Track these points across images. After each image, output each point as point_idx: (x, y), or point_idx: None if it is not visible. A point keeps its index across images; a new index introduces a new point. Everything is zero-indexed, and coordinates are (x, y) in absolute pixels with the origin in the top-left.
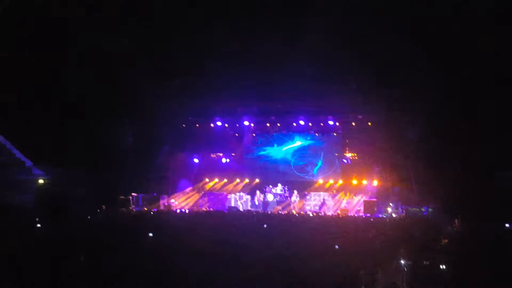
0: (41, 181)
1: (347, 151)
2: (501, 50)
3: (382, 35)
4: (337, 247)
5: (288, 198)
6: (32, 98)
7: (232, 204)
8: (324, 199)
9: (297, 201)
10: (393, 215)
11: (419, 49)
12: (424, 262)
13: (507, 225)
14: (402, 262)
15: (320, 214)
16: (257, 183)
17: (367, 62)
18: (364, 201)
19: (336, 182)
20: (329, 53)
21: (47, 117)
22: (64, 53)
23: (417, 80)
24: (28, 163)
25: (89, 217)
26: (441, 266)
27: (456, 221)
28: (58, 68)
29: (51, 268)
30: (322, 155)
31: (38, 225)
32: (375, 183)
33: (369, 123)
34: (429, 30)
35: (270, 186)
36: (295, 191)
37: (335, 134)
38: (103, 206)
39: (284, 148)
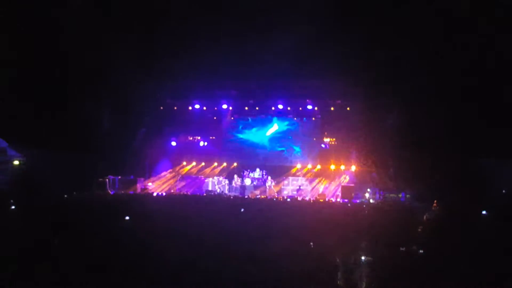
0: (16, 162)
1: (325, 136)
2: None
3: (362, 19)
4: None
5: (266, 182)
6: (8, 80)
7: (210, 188)
8: (299, 186)
9: (272, 186)
10: (371, 200)
11: (399, 34)
12: (401, 248)
13: (484, 212)
14: (379, 247)
15: (297, 199)
16: (235, 167)
17: (347, 46)
18: (342, 187)
19: (314, 167)
20: (309, 37)
21: (23, 99)
22: (40, 35)
23: (396, 67)
24: (3, 143)
25: (65, 196)
26: (418, 252)
27: (433, 207)
28: (34, 50)
29: (26, 250)
30: (300, 140)
31: (12, 207)
32: (353, 168)
33: (348, 108)
34: (408, 15)
35: (248, 171)
36: (269, 177)
37: (313, 118)
38: (79, 188)
39: (264, 133)
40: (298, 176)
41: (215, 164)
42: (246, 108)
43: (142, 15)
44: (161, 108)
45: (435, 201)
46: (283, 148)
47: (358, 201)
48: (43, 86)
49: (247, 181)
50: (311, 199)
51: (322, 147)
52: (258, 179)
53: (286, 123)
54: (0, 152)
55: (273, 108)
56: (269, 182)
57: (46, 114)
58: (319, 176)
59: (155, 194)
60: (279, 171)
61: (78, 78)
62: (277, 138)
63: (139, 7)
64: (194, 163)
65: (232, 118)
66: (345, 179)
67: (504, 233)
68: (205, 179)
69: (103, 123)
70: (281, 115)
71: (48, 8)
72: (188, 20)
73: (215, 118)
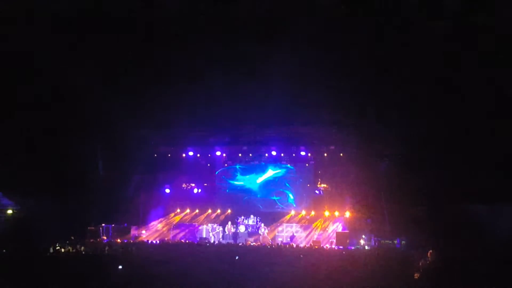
0: (9, 211)
1: (319, 182)
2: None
3: (354, 66)
4: None
5: (260, 229)
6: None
7: (204, 235)
8: (293, 233)
9: (265, 233)
10: (366, 247)
11: (391, 81)
12: None
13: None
14: None
15: (292, 245)
16: (228, 214)
17: (340, 93)
18: (337, 233)
19: (308, 214)
20: (301, 84)
21: (16, 147)
22: (33, 82)
23: (390, 113)
24: None
25: (58, 247)
26: None
27: (428, 254)
28: (27, 96)
29: None
30: (294, 186)
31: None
32: (348, 214)
33: (341, 154)
34: (403, 61)
35: (242, 217)
36: (262, 224)
37: (307, 164)
38: (72, 237)
39: (258, 180)
40: (292, 222)
41: (209, 211)
42: (240, 154)
43: (136, 64)
44: (155, 155)
45: (430, 247)
46: (278, 198)
47: (353, 247)
48: (35, 135)
49: (241, 228)
50: (306, 245)
51: (316, 193)
52: (252, 226)
53: (280, 169)
54: None
55: (266, 155)
56: (263, 229)
57: (39, 163)
58: (313, 222)
59: (149, 242)
60: (273, 218)
61: (72, 126)
62: (271, 185)
63: (134, 57)
64: (188, 210)
65: (226, 164)
66: (339, 225)
67: (500, 280)
68: (199, 226)
69: (97, 171)
70: (274, 161)
71: (44, 56)
72: (183, 69)
73: (209, 165)
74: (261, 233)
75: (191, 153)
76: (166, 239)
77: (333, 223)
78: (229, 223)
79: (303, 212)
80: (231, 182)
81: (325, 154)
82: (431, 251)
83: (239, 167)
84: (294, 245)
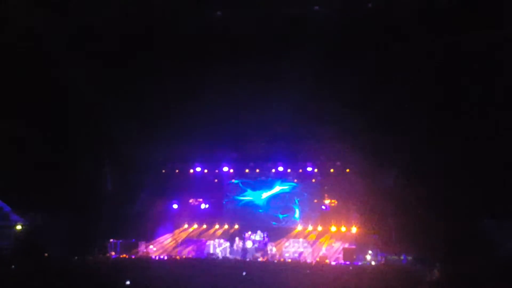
0: (19, 227)
1: (326, 198)
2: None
3: (360, 81)
4: None
5: (267, 245)
6: (9, 142)
7: (211, 251)
8: (299, 248)
9: (272, 249)
10: (372, 263)
11: (398, 95)
12: None
13: None
14: None
15: (299, 261)
16: (236, 230)
17: (345, 109)
18: (343, 249)
19: (315, 229)
20: (307, 99)
21: (25, 162)
22: (44, 94)
23: (396, 127)
24: (6, 208)
25: (66, 263)
26: None
27: (435, 270)
28: (37, 109)
29: None
30: (301, 201)
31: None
32: (354, 230)
33: (348, 170)
34: (409, 75)
35: (249, 233)
36: (269, 239)
37: (313, 180)
38: (81, 253)
39: (264, 195)
40: (299, 238)
41: (217, 226)
42: (247, 170)
43: (144, 78)
44: (163, 171)
45: (437, 263)
46: (285, 215)
47: (359, 263)
48: (44, 150)
49: (249, 244)
50: (313, 261)
51: (323, 209)
52: (259, 241)
53: (287, 184)
54: (2, 216)
55: (273, 170)
56: (270, 244)
57: (48, 179)
58: (320, 238)
59: (156, 257)
60: (281, 233)
61: (79, 140)
62: (278, 200)
63: (141, 72)
64: (195, 226)
65: (233, 180)
66: (346, 241)
67: None
68: (206, 241)
69: (104, 187)
70: (281, 177)
71: (51, 68)
72: (188, 84)
73: (216, 180)
74: (268, 249)
75: (198, 169)
76: (173, 254)
77: (340, 238)
78: (237, 238)
79: (310, 228)
80: (239, 197)
81: (332, 170)
82: (438, 266)
83: (246, 183)
84: (301, 261)
